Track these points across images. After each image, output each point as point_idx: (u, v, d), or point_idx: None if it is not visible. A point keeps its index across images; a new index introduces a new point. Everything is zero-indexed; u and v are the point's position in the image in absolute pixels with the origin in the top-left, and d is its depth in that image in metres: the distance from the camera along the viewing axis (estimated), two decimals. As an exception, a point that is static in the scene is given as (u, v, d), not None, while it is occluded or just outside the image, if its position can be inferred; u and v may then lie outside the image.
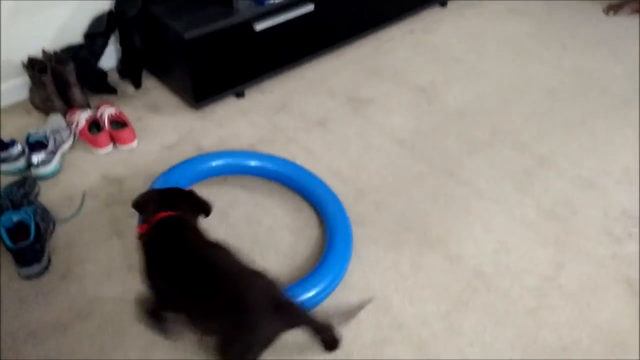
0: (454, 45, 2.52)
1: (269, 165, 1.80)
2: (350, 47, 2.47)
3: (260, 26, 2.02)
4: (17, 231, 1.49)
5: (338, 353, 1.34)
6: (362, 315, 1.43)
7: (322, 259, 1.51)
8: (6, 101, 2.11)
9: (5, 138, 1.82)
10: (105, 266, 1.53)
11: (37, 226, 1.49)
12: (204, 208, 1.43)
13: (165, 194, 1.39)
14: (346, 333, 1.38)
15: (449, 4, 2.80)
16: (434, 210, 1.72)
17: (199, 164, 1.77)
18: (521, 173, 1.85)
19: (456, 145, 1.97)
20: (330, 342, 1.31)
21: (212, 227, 1.62)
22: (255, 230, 1.65)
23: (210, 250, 1.27)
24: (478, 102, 2.18)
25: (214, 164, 1.78)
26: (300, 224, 1.67)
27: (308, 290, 1.40)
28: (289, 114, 2.09)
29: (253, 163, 1.80)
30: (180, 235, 1.29)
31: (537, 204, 1.74)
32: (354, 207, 1.71)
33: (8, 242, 1.43)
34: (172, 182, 1.59)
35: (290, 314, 1.21)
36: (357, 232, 1.63)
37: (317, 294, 1.42)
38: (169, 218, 1.31)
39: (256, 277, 1.21)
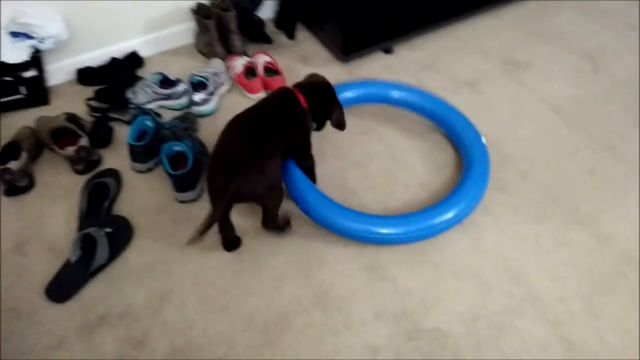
0: (631, 11, 2.26)
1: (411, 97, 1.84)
2: (511, 6, 2.32)
3: (417, -20, 1.97)
4: (177, 160, 1.64)
5: (464, 315, 1.31)
6: (494, 282, 1.38)
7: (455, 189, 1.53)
8: (174, 43, 2.29)
9: (172, 77, 1.99)
10: (249, 201, 1.63)
11: (195, 157, 1.62)
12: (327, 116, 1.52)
13: (316, 88, 1.52)
14: (476, 297, 1.35)
15: (632, -36, 2.50)
16: (587, 185, 1.59)
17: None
18: (698, 155, 1.64)
19: (621, 119, 1.78)
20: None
21: (350, 177, 1.66)
22: (391, 186, 1.64)
23: (261, 126, 1.40)
24: (654, 74, 1.94)
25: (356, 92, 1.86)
26: (438, 181, 1.63)
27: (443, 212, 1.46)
28: (437, 73, 2.03)
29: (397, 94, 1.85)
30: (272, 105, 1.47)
31: None
32: (498, 173, 1.64)
33: (168, 169, 1.58)
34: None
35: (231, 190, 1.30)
36: (498, 199, 1.57)
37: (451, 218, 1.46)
38: (286, 93, 1.48)
39: (242, 154, 1.34)
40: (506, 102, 1.88)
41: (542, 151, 1.70)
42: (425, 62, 2.09)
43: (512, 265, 1.41)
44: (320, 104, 1.50)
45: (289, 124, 1.44)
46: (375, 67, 2.09)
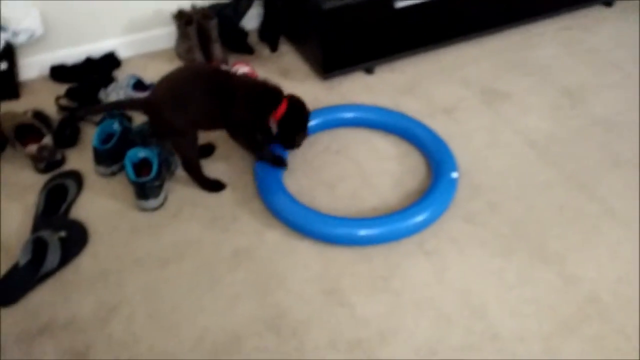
0: (612, 49, 2.26)
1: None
2: (494, 37, 2.32)
3: (401, 4, 1.95)
4: (142, 166, 1.59)
5: (421, 349, 1.27)
6: (455, 316, 1.34)
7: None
8: (154, 47, 2.26)
9: (147, 80, 1.94)
10: (213, 212, 1.58)
11: (160, 165, 1.57)
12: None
13: (298, 108, 1.64)
14: (435, 330, 1.31)
15: (616, 4, 2.51)
16: (556, 223, 1.57)
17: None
18: (667, 200, 1.63)
19: (595, 158, 1.77)
20: None
21: (317, 197, 1.62)
22: (359, 208, 1.61)
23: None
24: (630, 115, 1.93)
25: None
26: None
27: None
28: (415, 97, 2.01)
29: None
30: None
31: (681, 238, 1.52)
32: (467, 203, 1.61)
33: (131, 175, 1.52)
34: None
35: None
36: (465, 229, 1.54)
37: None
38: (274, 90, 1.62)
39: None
40: (482, 131, 1.87)
41: (513, 184, 1.68)
42: (404, 86, 2.07)
43: (474, 300, 1.38)
44: (293, 123, 1.62)
45: (243, 105, 1.54)
46: (355, 86, 2.07)
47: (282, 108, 1.58)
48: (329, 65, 2.04)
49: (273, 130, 1.63)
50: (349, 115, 1.85)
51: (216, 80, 1.53)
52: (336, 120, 1.86)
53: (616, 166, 1.74)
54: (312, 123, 1.80)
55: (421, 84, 2.08)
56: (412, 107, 1.96)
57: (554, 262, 1.47)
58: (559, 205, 1.62)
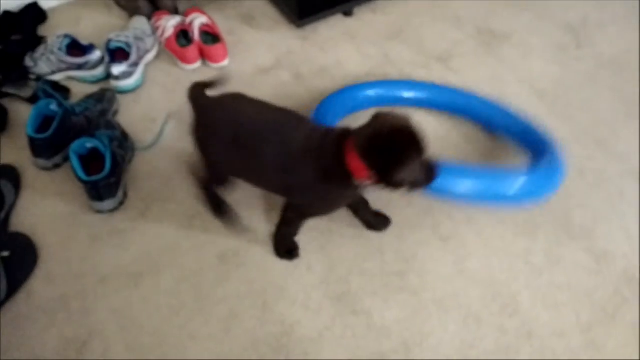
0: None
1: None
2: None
3: None
4: (91, 158, 1.30)
5: (453, 357, 1.11)
6: (484, 313, 1.18)
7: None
8: (85, -7, 1.87)
9: (83, 41, 1.59)
10: (187, 208, 1.32)
11: (114, 156, 1.28)
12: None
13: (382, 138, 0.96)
14: (464, 334, 1.15)
15: None
16: (577, 189, 1.40)
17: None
18: (696, 153, 1.48)
19: (609, 107, 1.59)
20: None
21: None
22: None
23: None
24: (638, 53, 1.75)
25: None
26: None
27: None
28: (405, 44, 1.75)
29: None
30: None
31: None
32: (480, 172, 1.41)
33: (80, 174, 1.23)
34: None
35: None
36: (480, 206, 1.35)
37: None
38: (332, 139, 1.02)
39: None
40: (485, 83, 1.64)
41: (527, 145, 1.49)
42: (391, 29, 1.79)
43: (502, 291, 1.21)
44: (385, 159, 0.95)
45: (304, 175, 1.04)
46: (334, 33, 1.78)
47: (350, 160, 0.98)
48: (305, 8, 1.72)
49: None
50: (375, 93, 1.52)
51: (293, 138, 1.04)
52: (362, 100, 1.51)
53: (631, 117, 1.57)
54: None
55: (409, 25, 1.81)
56: (403, 56, 1.70)
57: (582, 237, 1.31)
58: (578, 167, 1.44)
